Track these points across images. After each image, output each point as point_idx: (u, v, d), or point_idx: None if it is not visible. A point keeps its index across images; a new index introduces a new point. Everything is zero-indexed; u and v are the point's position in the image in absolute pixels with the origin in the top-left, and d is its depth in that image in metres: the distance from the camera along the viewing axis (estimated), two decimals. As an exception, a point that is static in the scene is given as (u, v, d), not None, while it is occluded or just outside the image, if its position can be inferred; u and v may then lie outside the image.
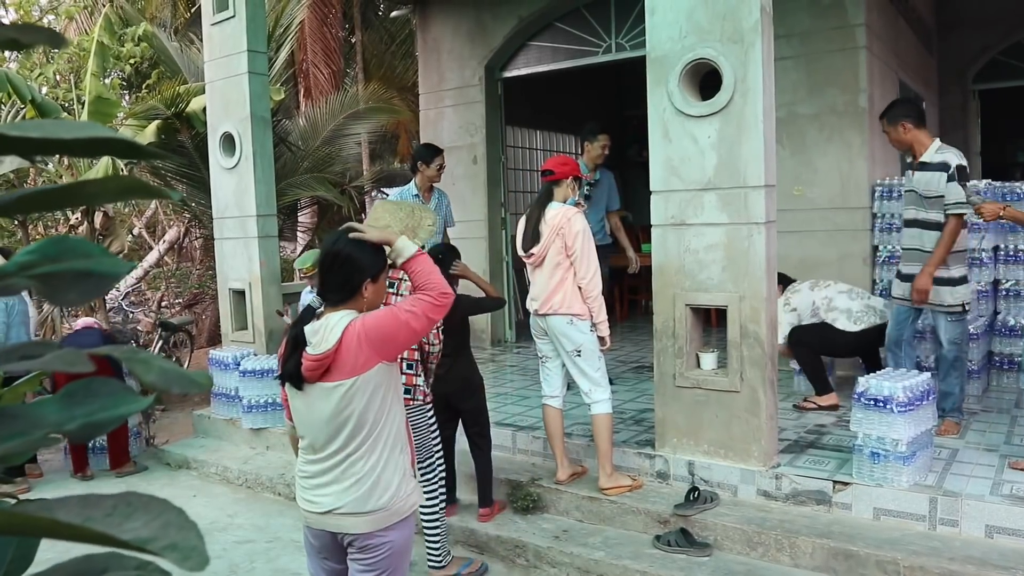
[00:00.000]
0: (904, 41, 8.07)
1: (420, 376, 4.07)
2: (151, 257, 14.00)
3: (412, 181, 6.21)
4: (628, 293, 10.30)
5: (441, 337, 4.14)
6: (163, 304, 13.82)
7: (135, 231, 14.92)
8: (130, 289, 13.42)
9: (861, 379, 4.20)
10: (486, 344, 8.69)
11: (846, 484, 4.11)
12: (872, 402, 4.04)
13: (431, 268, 2.65)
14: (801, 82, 6.66)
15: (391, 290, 3.94)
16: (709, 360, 4.56)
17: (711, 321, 6.24)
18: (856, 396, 4.14)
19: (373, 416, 2.57)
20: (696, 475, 4.52)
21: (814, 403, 5.54)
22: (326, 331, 2.55)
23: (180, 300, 14.27)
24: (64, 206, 0.61)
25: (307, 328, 2.61)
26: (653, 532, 4.28)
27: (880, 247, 6.54)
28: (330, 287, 2.62)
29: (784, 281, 5.67)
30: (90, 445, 6.48)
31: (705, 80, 4.47)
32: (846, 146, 6.58)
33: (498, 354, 8.36)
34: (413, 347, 4.01)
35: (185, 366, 10.18)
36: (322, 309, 2.65)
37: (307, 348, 2.59)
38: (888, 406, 3.98)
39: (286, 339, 2.68)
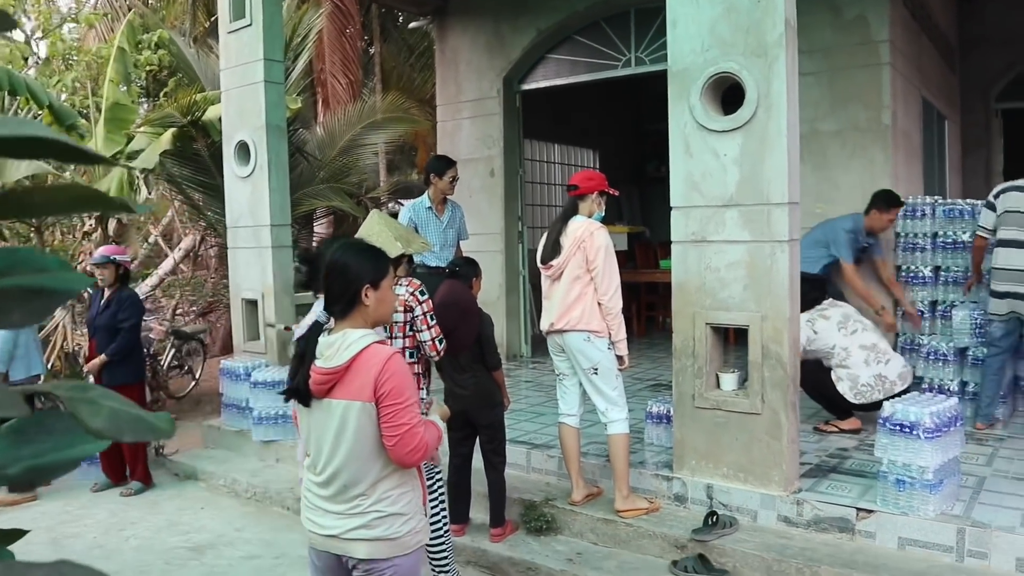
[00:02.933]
0: (927, 58, 7.95)
1: (423, 389, 3.99)
2: (166, 265, 13.97)
3: (425, 194, 6.15)
4: (646, 309, 10.18)
5: (438, 332, 4.00)
6: (178, 312, 13.78)
7: (151, 239, 14.93)
8: (144, 296, 13.39)
9: (886, 404, 4.06)
10: (501, 358, 8.56)
11: (870, 512, 3.97)
12: (898, 427, 3.90)
13: (437, 438, 2.64)
14: (823, 98, 6.56)
15: (385, 335, 3.84)
16: (730, 381, 4.44)
17: (730, 340, 6.12)
18: (881, 421, 4.01)
19: (373, 447, 2.47)
20: (715, 499, 4.39)
21: (836, 426, 5.40)
22: (342, 346, 2.46)
23: (195, 308, 14.23)
24: (9, 217, 0.51)
25: (321, 340, 2.53)
26: (670, 557, 4.15)
27: (903, 267, 6.40)
28: (332, 297, 2.54)
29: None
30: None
31: (727, 95, 4.37)
32: (869, 163, 6.46)
33: (513, 369, 8.25)
34: (410, 359, 3.92)
35: (198, 375, 10.14)
36: (330, 323, 2.57)
37: (316, 361, 2.50)
38: (915, 432, 3.85)
39: (294, 353, 2.60)
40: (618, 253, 10.34)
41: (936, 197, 6.45)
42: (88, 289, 6.61)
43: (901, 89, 6.70)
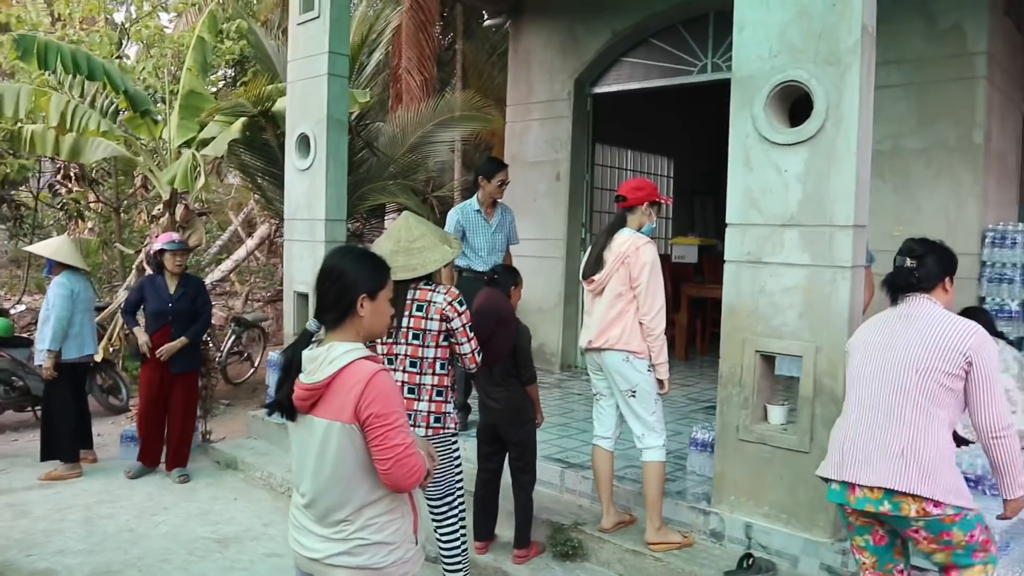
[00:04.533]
0: (1032, 74, 7.38)
1: (450, 403, 3.80)
2: (242, 251, 14.20)
3: (474, 196, 5.98)
4: (711, 326, 9.78)
5: (477, 344, 3.83)
6: (250, 298, 13.98)
7: (230, 228, 15.20)
8: (218, 281, 13.61)
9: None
10: (555, 368, 8.36)
11: (924, 571, 3.60)
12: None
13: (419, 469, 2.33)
14: (910, 113, 6.12)
15: (420, 313, 3.69)
16: (777, 414, 4.12)
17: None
18: (943, 471, 3.63)
19: (356, 471, 2.29)
20: (753, 539, 4.08)
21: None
22: (325, 361, 2.30)
23: (267, 295, 14.41)
24: None
25: (306, 353, 2.37)
26: (699, 599, 3.88)
27: (988, 298, 5.92)
28: (324, 305, 2.37)
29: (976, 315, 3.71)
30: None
31: (795, 108, 4.05)
32: (956, 184, 6.00)
33: (565, 380, 8.01)
34: (441, 370, 3.75)
35: (256, 363, 10.21)
36: (321, 332, 2.40)
37: (300, 376, 2.34)
38: (979, 487, 3.48)
39: (280, 364, 2.44)
40: (687, 266, 10.01)
41: (1029, 225, 5.96)
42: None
43: (998, 106, 6.21)
